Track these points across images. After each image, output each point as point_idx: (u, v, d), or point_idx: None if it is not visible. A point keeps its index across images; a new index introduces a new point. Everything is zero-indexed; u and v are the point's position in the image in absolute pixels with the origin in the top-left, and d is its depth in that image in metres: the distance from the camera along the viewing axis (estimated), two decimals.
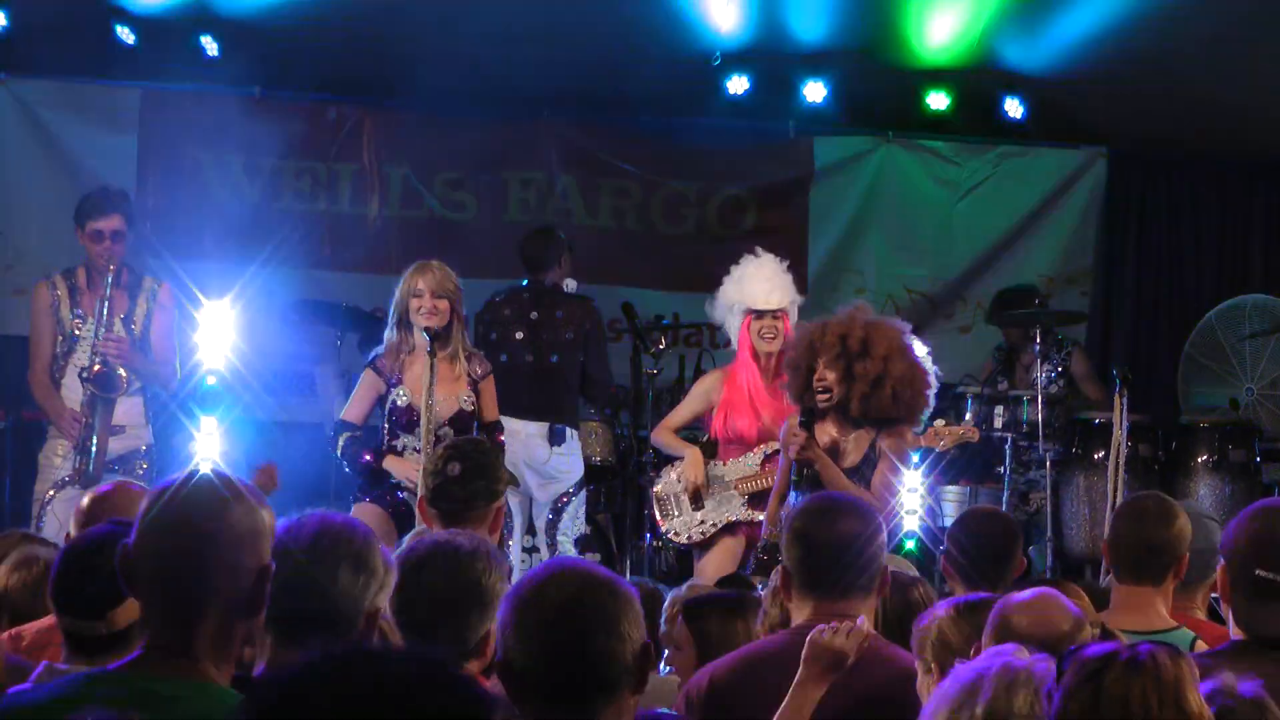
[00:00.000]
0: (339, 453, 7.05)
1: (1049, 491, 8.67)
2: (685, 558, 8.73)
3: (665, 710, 3.82)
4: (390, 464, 6.91)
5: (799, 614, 3.98)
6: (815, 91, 10.27)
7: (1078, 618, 3.39)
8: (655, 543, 8.46)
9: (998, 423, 8.68)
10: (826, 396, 6.17)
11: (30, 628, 3.88)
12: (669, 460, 7.66)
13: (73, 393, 7.40)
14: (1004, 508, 8.30)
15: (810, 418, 6.19)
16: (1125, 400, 7.45)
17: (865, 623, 3.82)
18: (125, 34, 9.66)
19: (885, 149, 10.55)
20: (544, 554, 7.98)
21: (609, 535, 9.13)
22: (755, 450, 7.30)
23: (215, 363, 7.38)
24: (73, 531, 4.12)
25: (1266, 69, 9.57)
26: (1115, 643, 2.63)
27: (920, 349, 6.40)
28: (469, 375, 7.07)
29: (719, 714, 3.82)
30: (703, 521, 7.39)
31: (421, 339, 6.90)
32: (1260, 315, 9.71)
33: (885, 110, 10.54)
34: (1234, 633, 3.71)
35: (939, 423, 7.00)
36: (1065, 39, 9.77)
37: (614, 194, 10.45)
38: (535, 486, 8.04)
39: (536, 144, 10.35)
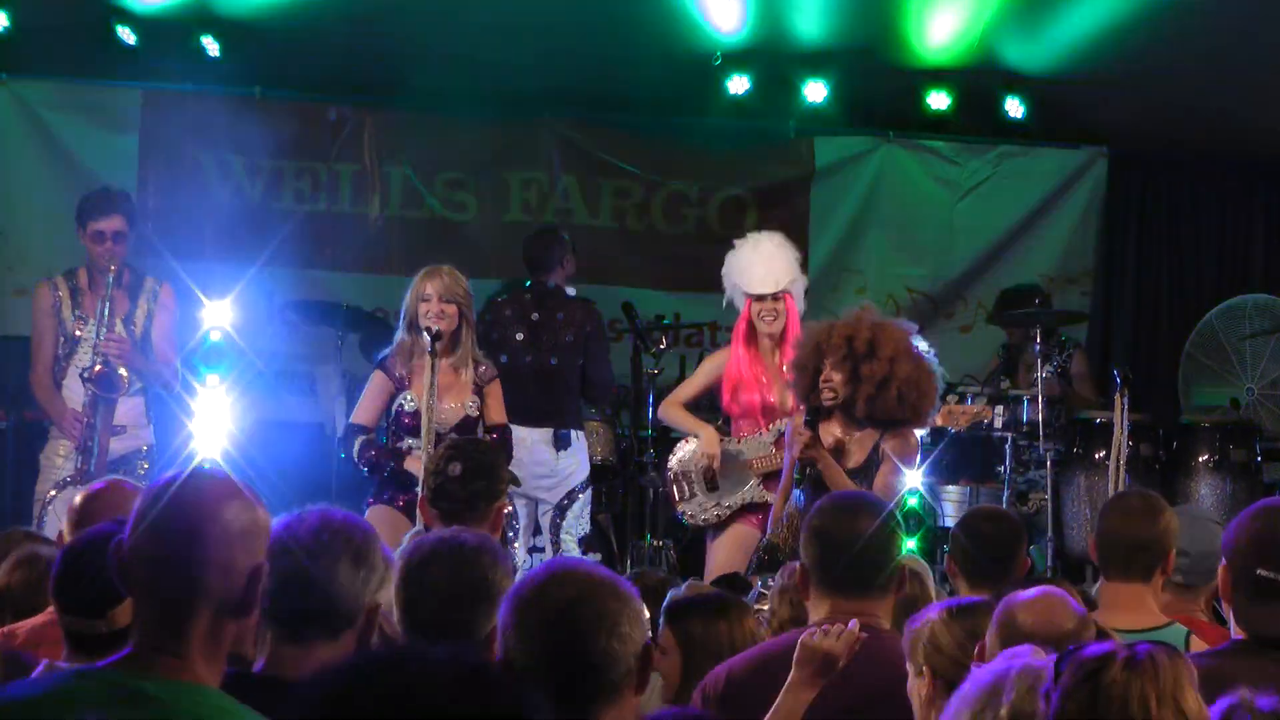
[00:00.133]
0: (355, 457, 7.00)
1: (1049, 491, 8.67)
2: (686, 557, 8.74)
3: (692, 708, 3.82)
4: (412, 464, 6.85)
5: (817, 612, 3.99)
6: (816, 91, 10.27)
7: (1082, 616, 3.39)
8: (656, 543, 8.47)
9: (998, 422, 8.68)
10: (832, 397, 6.17)
11: (24, 625, 3.89)
12: (672, 445, 7.67)
13: (74, 393, 7.41)
14: (1004, 507, 8.29)
15: (815, 417, 6.20)
16: (1126, 400, 7.45)
17: (857, 625, 3.83)
18: (126, 34, 9.66)
19: (886, 149, 10.55)
20: (549, 554, 7.99)
21: (609, 535, 9.14)
22: (768, 429, 7.31)
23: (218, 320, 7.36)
24: (65, 529, 4.13)
25: (1267, 69, 9.57)
26: (1113, 642, 2.64)
27: (924, 348, 6.41)
28: (475, 381, 7.06)
29: (736, 711, 3.83)
30: (718, 504, 7.41)
31: (423, 339, 6.89)
32: (1261, 315, 9.71)
33: (886, 110, 10.55)
34: (1235, 632, 3.72)
35: (952, 401, 7.01)
36: (1066, 39, 9.77)
37: (615, 194, 10.45)
38: (540, 488, 8.05)
39: (537, 144, 10.35)
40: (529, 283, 8.41)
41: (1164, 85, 9.84)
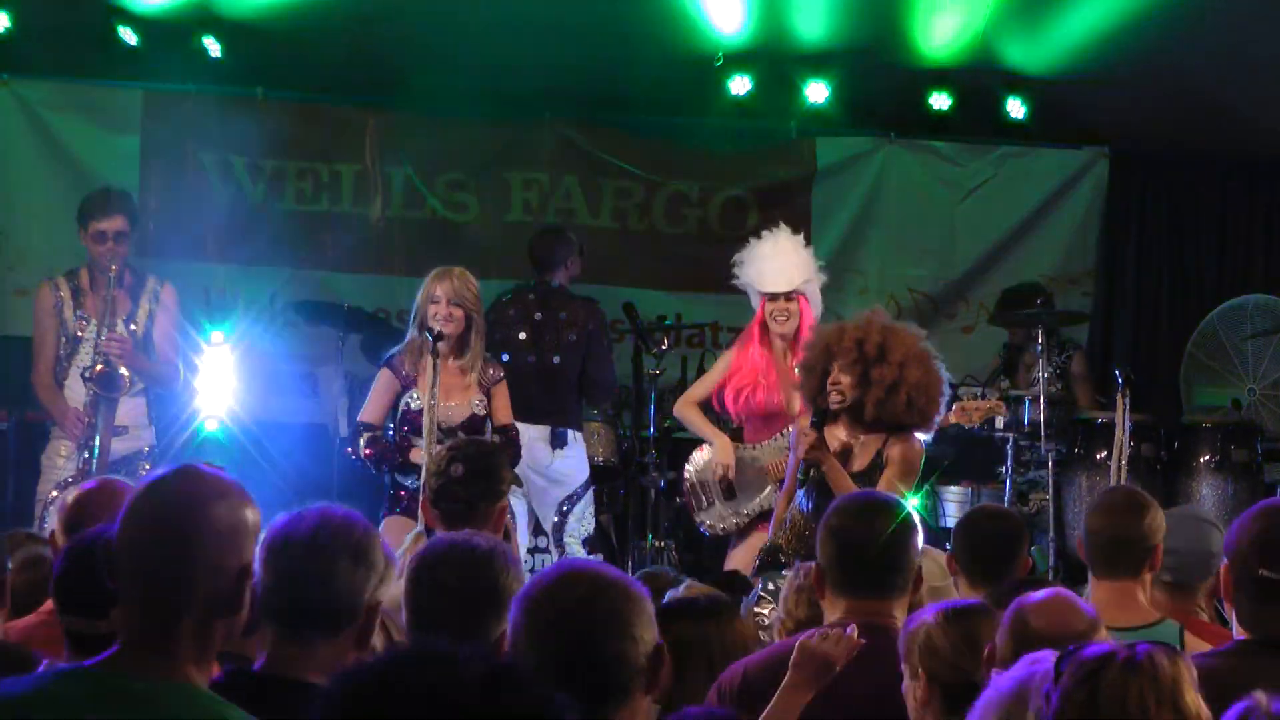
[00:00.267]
0: (362, 453, 6.99)
1: (1051, 492, 8.67)
2: (688, 557, 8.75)
3: (718, 708, 3.82)
4: (417, 455, 6.85)
5: (833, 612, 4.00)
6: (817, 92, 10.27)
7: (1093, 619, 3.40)
8: (657, 543, 8.47)
9: (999, 423, 8.67)
10: (841, 400, 6.17)
11: (17, 624, 3.89)
12: (678, 456, 7.67)
13: (76, 393, 7.41)
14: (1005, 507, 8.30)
15: (822, 419, 6.19)
16: (1127, 400, 7.45)
17: (855, 630, 3.82)
18: (128, 35, 9.66)
19: (887, 149, 10.54)
20: (552, 555, 8.00)
21: (610, 535, 9.14)
22: (785, 432, 7.31)
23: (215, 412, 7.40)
24: (56, 528, 4.13)
25: (1268, 69, 9.57)
26: (1112, 643, 2.64)
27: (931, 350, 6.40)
28: (481, 381, 7.06)
29: (752, 710, 3.83)
30: (736, 512, 7.41)
31: (425, 339, 6.89)
32: (1262, 315, 9.71)
33: (887, 110, 10.54)
34: (1237, 633, 3.72)
35: (965, 397, 6.99)
36: (1067, 39, 9.77)
37: (616, 194, 10.45)
38: (538, 489, 8.05)
39: (538, 144, 10.35)
40: (533, 282, 8.41)
41: (1165, 85, 9.84)
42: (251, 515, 2.70)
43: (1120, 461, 7.37)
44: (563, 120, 10.33)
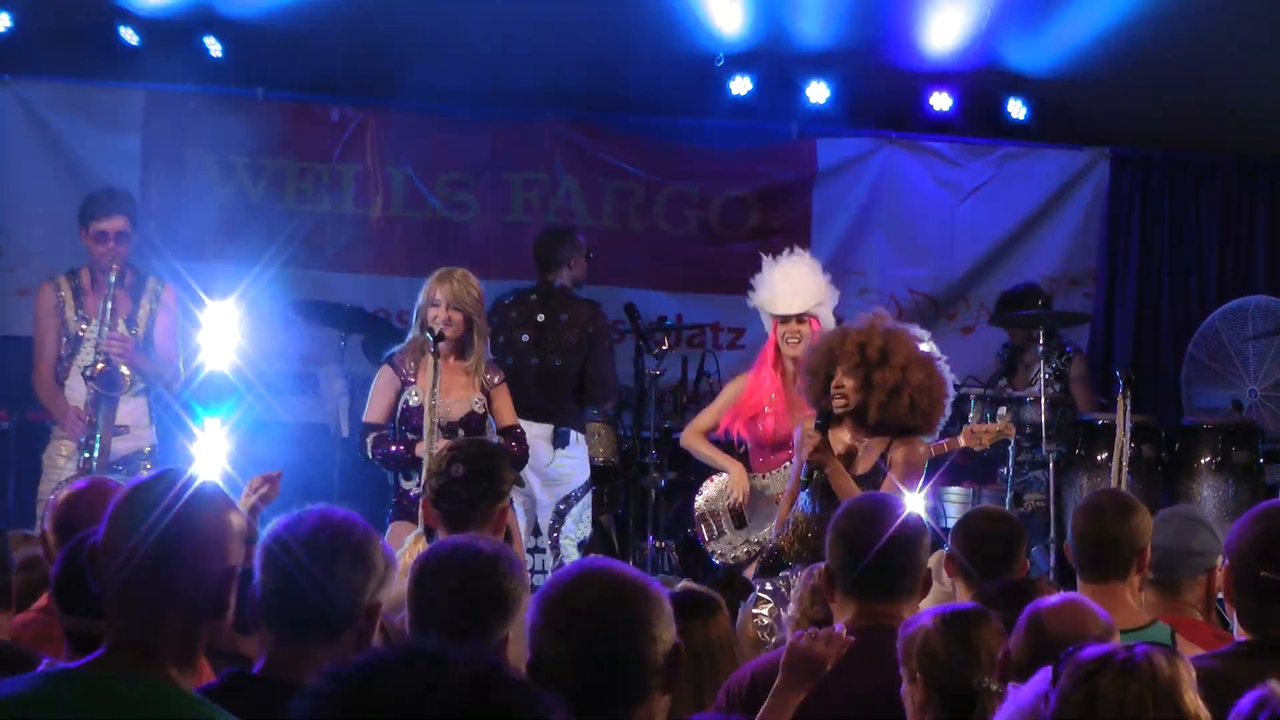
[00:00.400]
0: (369, 453, 6.98)
1: (1052, 493, 8.66)
2: (688, 558, 8.74)
3: (735, 716, 3.83)
4: (421, 449, 6.84)
5: (842, 615, 4.00)
6: (818, 92, 10.28)
7: (1108, 623, 3.41)
8: (658, 544, 8.47)
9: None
10: (844, 403, 6.17)
11: (10, 621, 3.89)
12: (680, 460, 7.67)
13: (76, 393, 7.42)
14: (1005, 508, 8.29)
15: (826, 422, 6.19)
16: (1128, 401, 7.45)
17: (844, 629, 3.83)
18: (129, 35, 9.67)
19: (888, 150, 10.54)
20: (548, 556, 7.99)
21: (611, 536, 9.14)
22: (793, 460, 7.31)
23: (219, 363, 7.35)
24: (47, 527, 4.13)
25: (1269, 69, 9.57)
26: (1111, 645, 2.64)
27: (930, 350, 6.40)
28: (482, 384, 7.05)
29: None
30: (747, 541, 7.41)
31: (425, 338, 6.88)
32: (1263, 317, 9.70)
33: (888, 111, 10.54)
34: (1238, 634, 3.72)
35: (973, 420, 6.97)
36: (1068, 40, 9.77)
37: (617, 195, 10.45)
38: (538, 488, 8.04)
39: (539, 145, 10.35)
40: (535, 283, 8.42)
41: (1166, 86, 9.84)
42: (236, 519, 2.71)
43: (1121, 463, 7.36)
44: (564, 120, 10.34)
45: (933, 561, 4.63)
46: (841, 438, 6.25)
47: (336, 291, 9.78)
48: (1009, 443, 8.70)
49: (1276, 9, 9.25)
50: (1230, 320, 9.82)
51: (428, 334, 6.83)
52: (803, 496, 6.18)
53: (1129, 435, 7.52)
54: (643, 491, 8.68)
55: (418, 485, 6.84)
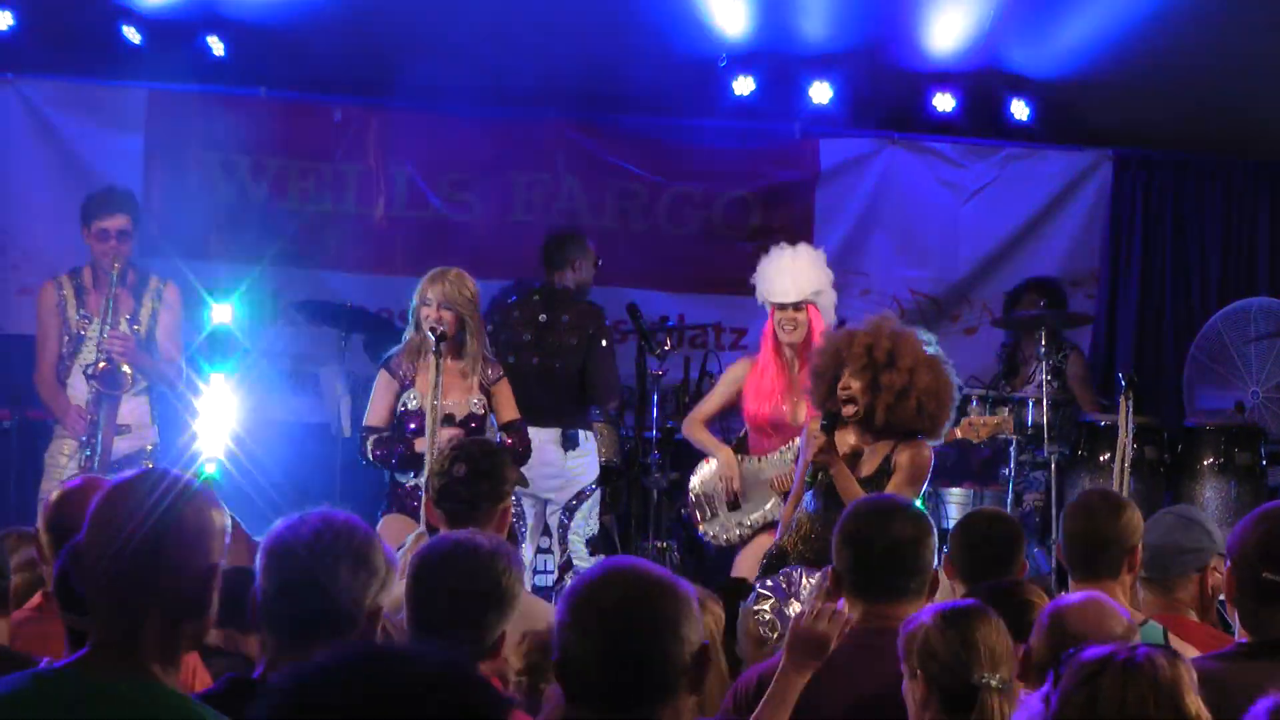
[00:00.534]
0: (369, 455, 6.98)
1: (1054, 494, 8.66)
2: (689, 558, 8.74)
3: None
4: (421, 444, 6.84)
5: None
6: (821, 93, 10.27)
7: (1129, 623, 3.42)
8: (659, 544, 8.47)
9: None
10: (854, 409, 6.17)
11: (6, 619, 3.90)
12: (684, 457, 7.68)
13: (78, 392, 7.42)
14: (1005, 509, 8.29)
15: (833, 423, 6.19)
16: (1130, 402, 7.44)
17: (845, 606, 3.83)
18: (132, 34, 9.67)
19: (891, 150, 10.53)
20: (557, 555, 8.01)
21: (613, 536, 9.14)
22: (789, 445, 7.32)
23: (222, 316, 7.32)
24: (41, 526, 4.13)
25: (1273, 71, 9.56)
26: (1112, 645, 2.63)
27: (937, 353, 6.39)
28: (481, 381, 7.05)
29: None
30: (740, 524, 7.42)
31: (428, 339, 6.88)
32: (1266, 318, 9.70)
33: (891, 112, 10.54)
34: (1239, 635, 3.72)
35: (973, 412, 6.97)
36: (1071, 41, 9.77)
37: (619, 195, 10.44)
38: (549, 489, 8.06)
39: (542, 145, 10.34)
40: (539, 283, 8.42)
41: (1169, 87, 9.84)
42: (218, 517, 2.71)
43: (1123, 464, 7.36)
44: (567, 120, 10.33)
45: None
46: (847, 439, 6.24)
47: (338, 291, 9.78)
48: (1010, 443, 8.70)
49: (1279, 11, 9.25)
50: (1232, 322, 9.81)
51: (429, 334, 6.82)
52: (807, 497, 6.17)
53: (1131, 436, 7.51)
54: (645, 492, 8.68)
55: (411, 479, 6.86)
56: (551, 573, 8.23)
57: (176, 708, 2.61)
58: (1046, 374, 8.86)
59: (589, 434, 8.21)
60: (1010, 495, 8.71)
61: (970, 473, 9.29)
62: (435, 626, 3.46)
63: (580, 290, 8.53)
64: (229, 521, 2.76)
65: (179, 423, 7.76)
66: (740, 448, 7.60)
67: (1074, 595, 3.47)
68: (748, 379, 7.50)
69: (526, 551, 7.90)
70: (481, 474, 5.01)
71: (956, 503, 9.11)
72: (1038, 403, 8.65)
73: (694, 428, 7.75)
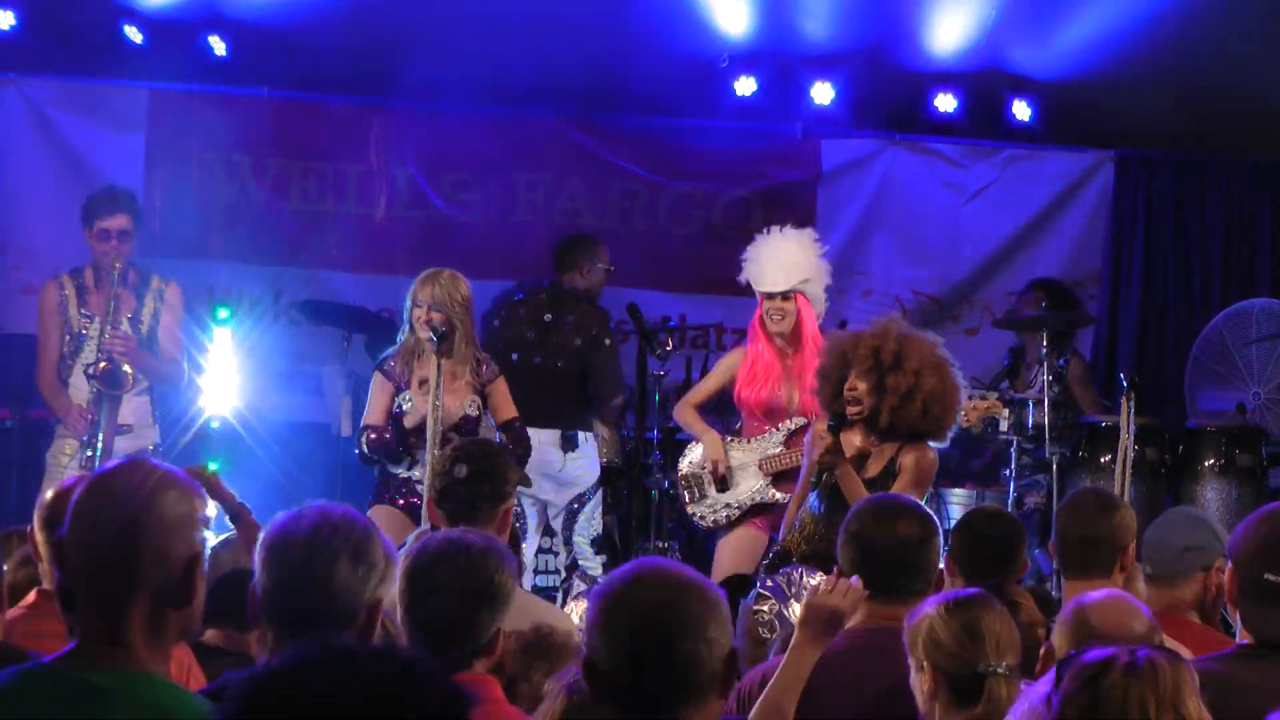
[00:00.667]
0: (365, 449, 6.97)
1: (1056, 495, 8.66)
2: (690, 559, 8.74)
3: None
4: (410, 420, 6.83)
5: (855, 615, 3.99)
6: (823, 93, 10.27)
7: (1151, 622, 3.42)
8: (660, 545, 8.47)
9: (1004, 425, 8.67)
10: (859, 409, 6.17)
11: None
12: (683, 449, 7.69)
13: (80, 391, 7.43)
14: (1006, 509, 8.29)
15: (838, 423, 6.19)
16: (1132, 404, 7.44)
17: (860, 582, 3.83)
18: (133, 34, 9.67)
19: (892, 151, 10.53)
20: (561, 555, 8.01)
21: (615, 536, 9.14)
22: (778, 428, 7.32)
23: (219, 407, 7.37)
24: (36, 525, 4.13)
25: (1274, 71, 9.56)
26: (1114, 647, 2.63)
27: (944, 356, 6.38)
28: (475, 382, 7.05)
29: None
30: (727, 505, 7.41)
31: (428, 341, 6.88)
32: (1267, 320, 9.69)
33: (892, 112, 10.54)
34: (1241, 636, 3.72)
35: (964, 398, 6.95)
36: (1073, 42, 9.77)
37: (620, 195, 10.44)
38: (549, 490, 8.06)
39: (544, 145, 10.34)
40: (547, 282, 8.42)
41: (1171, 88, 9.84)
42: (200, 506, 2.70)
43: (1124, 465, 7.35)
44: (568, 120, 10.33)
45: None
46: (853, 440, 6.24)
47: (339, 291, 9.78)
48: (1012, 444, 8.70)
49: None
50: (1234, 323, 9.81)
51: (431, 336, 6.83)
52: (811, 497, 6.17)
53: (1132, 438, 7.51)
54: (646, 492, 8.68)
55: (406, 469, 6.87)
56: (555, 573, 8.23)
57: (166, 696, 2.61)
58: (1048, 375, 8.85)
59: (589, 436, 8.21)
60: (1011, 496, 8.70)
61: (972, 474, 9.29)
62: (428, 626, 3.46)
63: (588, 294, 8.53)
64: (210, 511, 2.75)
65: (180, 421, 7.76)
66: (732, 432, 7.58)
67: (1097, 592, 3.48)
68: (740, 366, 7.49)
69: (527, 551, 7.90)
70: (483, 475, 5.00)
71: (958, 503, 9.11)
72: (1039, 404, 8.65)
73: (685, 411, 7.72)
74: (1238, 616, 3.74)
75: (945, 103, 10.35)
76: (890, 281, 10.47)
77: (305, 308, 9.46)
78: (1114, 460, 7.83)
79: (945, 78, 10.24)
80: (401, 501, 6.91)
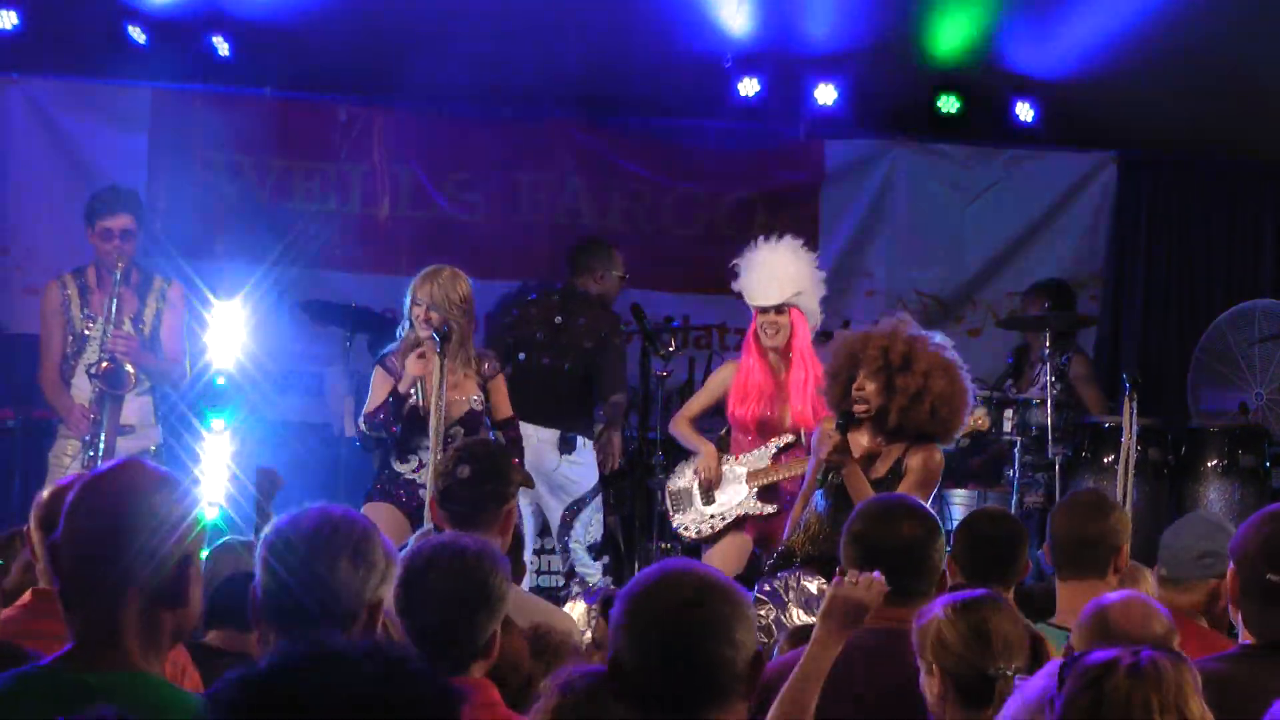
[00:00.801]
0: (364, 426, 6.95)
1: (1058, 495, 8.65)
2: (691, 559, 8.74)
3: None
4: (404, 385, 6.82)
5: None
6: (826, 94, 10.27)
7: (1170, 624, 3.42)
8: (663, 545, 8.46)
9: (1007, 426, 8.67)
10: (865, 407, 6.16)
11: None
12: (682, 457, 7.68)
13: (82, 391, 7.43)
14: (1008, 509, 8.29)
15: (847, 423, 6.19)
16: (1135, 404, 7.44)
17: (882, 576, 3.82)
18: (136, 34, 9.66)
19: (895, 152, 10.53)
20: (558, 559, 8.00)
21: (617, 537, 9.13)
22: (768, 444, 7.31)
23: (225, 362, 7.38)
24: (32, 525, 4.13)
25: (1277, 72, 9.55)
26: (1117, 649, 2.63)
27: (953, 358, 6.37)
28: (478, 377, 7.05)
29: None
30: (712, 516, 7.40)
31: (430, 341, 6.87)
32: (1270, 320, 9.69)
33: (896, 113, 10.53)
34: (1243, 637, 3.72)
35: (974, 413, 6.95)
36: (1075, 43, 9.76)
37: (624, 195, 10.44)
38: (545, 492, 8.05)
39: (547, 145, 10.34)
40: (560, 284, 8.43)
41: (1174, 89, 9.83)
42: (193, 506, 2.70)
43: (1127, 466, 7.35)
44: (572, 121, 10.33)
45: None
46: (860, 440, 6.24)
47: (343, 291, 9.77)
48: (1015, 444, 8.69)
49: None
50: (1237, 323, 9.81)
51: (433, 334, 6.82)
52: (816, 496, 6.17)
53: (1135, 438, 7.51)
54: (649, 493, 8.67)
55: (413, 470, 6.86)
56: (555, 573, 8.23)
57: (161, 696, 2.61)
58: (1050, 374, 8.85)
59: (587, 441, 8.19)
60: (1014, 497, 8.70)
61: (974, 474, 9.29)
62: (424, 630, 3.46)
63: (602, 299, 8.52)
64: (203, 512, 2.75)
65: (183, 422, 7.75)
66: (721, 447, 7.59)
67: (1117, 593, 3.48)
68: (733, 381, 7.48)
69: (526, 552, 7.90)
70: (486, 475, 5.00)
71: (960, 504, 9.10)
72: (1041, 404, 8.64)
73: (680, 424, 7.72)
74: (1239, 617, 3.73)
75: (948, 104, 10.35)
76: (893, 282, 10.47)
77: (308, 308, 9.46)
78: (1117, 461, 7.83)
79: (948, 79, 10.24)
80: (402, 497, 6.90)
